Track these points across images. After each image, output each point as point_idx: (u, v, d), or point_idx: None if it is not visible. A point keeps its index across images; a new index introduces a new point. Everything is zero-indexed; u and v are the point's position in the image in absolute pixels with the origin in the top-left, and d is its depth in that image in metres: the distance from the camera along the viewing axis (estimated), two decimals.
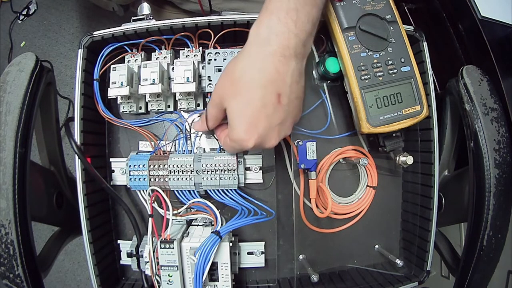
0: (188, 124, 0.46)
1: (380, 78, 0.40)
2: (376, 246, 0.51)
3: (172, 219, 0.43)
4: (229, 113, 0.35)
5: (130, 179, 0.44)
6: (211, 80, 0.43)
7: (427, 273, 0.47)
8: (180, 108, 0.45)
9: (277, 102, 0.33)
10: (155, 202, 0.44)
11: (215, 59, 0.43)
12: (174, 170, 0.43)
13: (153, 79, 0.42)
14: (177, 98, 0.45)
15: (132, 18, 0.44)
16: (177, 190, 0.45)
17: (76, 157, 0.41)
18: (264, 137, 0.34)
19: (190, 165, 0.43)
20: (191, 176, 0.43)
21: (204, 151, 0.46)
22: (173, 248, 0.39)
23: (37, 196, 0.44)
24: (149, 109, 0.46)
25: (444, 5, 0.58)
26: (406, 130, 0.43)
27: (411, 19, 0.65)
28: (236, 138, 0.34)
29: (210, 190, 0.44)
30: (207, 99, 0.45)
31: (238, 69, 0.34)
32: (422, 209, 0.48)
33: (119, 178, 0.46)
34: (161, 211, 0.44)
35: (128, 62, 0.45)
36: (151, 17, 0.45)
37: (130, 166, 0.44)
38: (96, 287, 0.43)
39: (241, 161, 0.44)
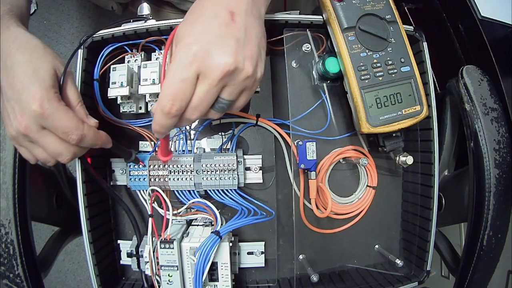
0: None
1: (380, 78, 0.40)
2: (376, 246, 0.51)
3: (172, 219, 0.43)
4: (176, 36, 0.31)
5: (130, 179, 0.44)
6: None
7: (427, 273, 0.47)
8: None
9: (231, 18, 0.30)
10: (155, 202, 0.44)
11: None
12: (174, 170, 0.43)
13: (153, 79, 0.42)
14: None
15: (132, 18, 0.44)
16: (177, 190, 0.45)
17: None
18: (214, 46, 0.29)
19: (190, 165, 0.43)
20: (191, 176, 0.43)
21: (204, 151, 0.46)
22: (173, 248, 0.39)
23: (37, 196, 0.44)
24: (149, 109, 0.46)
25: (444, 5, 0.58)
26: (406, 130, 0.43)
27: (411, 19, 0.64)
28: (180, 47, 0.29)
29: (210, 190, 0.44)
30: None
31: (192, 5, 0.32)
32: (422, 209, 0.48)
33: (119, 178, 0.46)
34: (161, 211, 0.44)
35: (128, 62, 0.45)
36: (151, 17, 0.45)
37: (130, 166, 0.44)
38: (96, 287, 0.43)
39: (241, 161, 0.44)
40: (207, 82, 0.29)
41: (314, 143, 0.43)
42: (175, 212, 0.44)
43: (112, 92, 0.42)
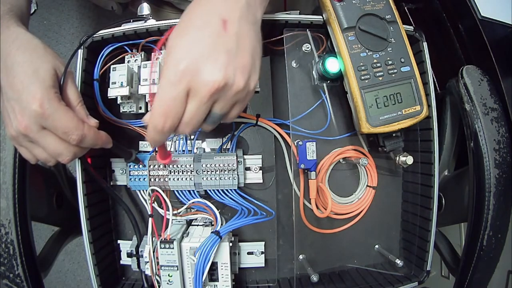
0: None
1: (380, 78, 0.40)
2: (376, 246, 0.51)
3: (172, 219, 0.43)
4: (166, 47, 0.30)
5: (130, 179, 0.44)
6: None
7: (427, 273, 0.47)
8: None
9: (223, 27, 0.29)
10: (155, 202, 0.44)
11: None
12: (174, 170, 0.43)
13: (153, 79, 0.42)
14: None
15: (132, 18, 0.44)
16: (177, 190, 0.45)
17: None
18: (203, 61, 0.28)
19: (190, 165, 0.43)
20: (191, 176, 0.43)
21: (204, 151, 0.46)
22: (173, 248, 0.39)
23: (37, 196, 0.44)
24: (149, 109, 0.46)
25: (444, 5, 0.58)
26: (406, 130, 0.43)
27: (411, 19, 0.64)
28: (169, 62, 0.28)
29: (210, 190, 0.44)
30: None
31: (184, 11, 0.31)
32: (422, 209, 0.48)
33: (119, 178, 0.46)
34: (161, 211, 0.44)
35: (128, 62, 0.45)
36: (151, 17, 0.45)
37: (130, 166, 0.44)
38: (96, 287, 0.43)
39: (241, 161, 0.44)
40: (197, 99, 0.29)
41: (314, 143, 0.43)
42: (175, 212, 0.44)
43: (112, 92, 0.42)
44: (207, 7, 0.30)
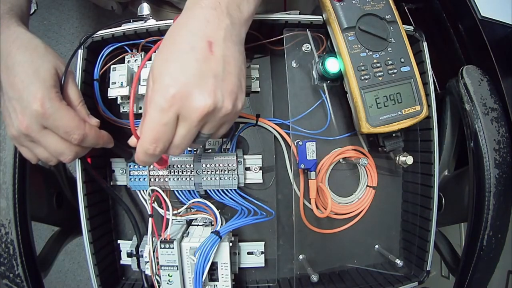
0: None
1: (380, 78, 0.40)
2: (376, 246, 0.51)
3: (172, 219, 0.43)
4: (152, 72, 0.30)
5: (130, 179, 0.44)
6: None
7: (427, 273, 0.47)
8: None
9: (208, 50, 0.29)
10: (155, 202, 0.44)
11: None
12: (174, 170, 0.43)
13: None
14: None
15: (132, 18, 0.44)
16: (177, 190, 0.45)
17: None
18: (192, 87, 0.28)
19: (190, 165, 0.43)
20: (191, 176, 0.43)
21: (204, 151, 0.46)
22: (173, 248, 0.39)
23: (37, 196, 0.44)
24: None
25: (444, 5, 0.58)
26: (406, 130, 0.43)
27: (411, 19, 0.64)
28: (158, 88, 0.29)
29: (210, 190, 0.44)
30: None
31: (167, 33, 0.32)
32: (422, 209, 0.48)
33: (119, 178, 0.46)
34: (161, 211, 0.44)
35: (128, 62, 0.45)
36: (151, 17, 0.45)
37: (130, 166, 0.44)
38: (96, 287, 0.43)
39: (241, 161, 0.44)
40: (187, 123, 0.30)
41: (314, 143, 0.43)
42: (175, 212, 0.44)
43: (112, 92, 0.42)
44: (191, 29, 0.30)
